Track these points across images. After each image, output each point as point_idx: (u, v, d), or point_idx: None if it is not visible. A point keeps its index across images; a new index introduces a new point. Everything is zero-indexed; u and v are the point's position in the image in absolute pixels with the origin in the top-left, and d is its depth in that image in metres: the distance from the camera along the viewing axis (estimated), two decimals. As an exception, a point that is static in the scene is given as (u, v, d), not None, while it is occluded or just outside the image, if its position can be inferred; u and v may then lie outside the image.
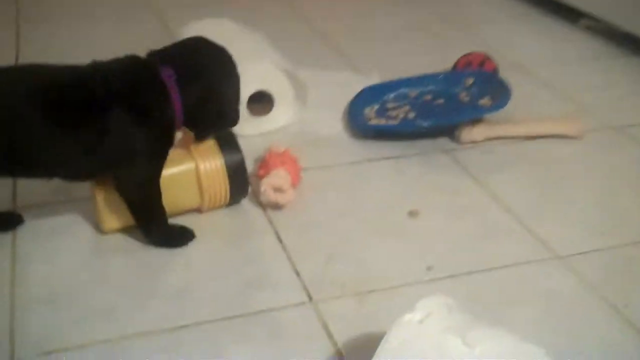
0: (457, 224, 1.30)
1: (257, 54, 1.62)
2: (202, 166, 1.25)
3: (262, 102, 1.58)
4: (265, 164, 1.36)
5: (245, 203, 1.34)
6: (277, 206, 1.31)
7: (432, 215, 1.32)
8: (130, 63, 1.18)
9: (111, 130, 1.12)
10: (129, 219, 1.22)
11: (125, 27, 2.23)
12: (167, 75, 1.15)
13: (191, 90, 1.17)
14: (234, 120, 1.26)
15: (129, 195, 1.18)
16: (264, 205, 1.33)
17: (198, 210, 1.30)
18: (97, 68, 1.16)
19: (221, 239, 1.25)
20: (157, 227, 1.21)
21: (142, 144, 1.15)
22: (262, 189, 1.30)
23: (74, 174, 1.20)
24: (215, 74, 1.21)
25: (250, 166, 1.41)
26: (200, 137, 1.26)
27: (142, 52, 1.21)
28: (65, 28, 2.21)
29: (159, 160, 1.19)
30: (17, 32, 2.17)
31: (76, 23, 2.26)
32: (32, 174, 1.19)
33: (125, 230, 1.24)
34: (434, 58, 1.93)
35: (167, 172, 1.21)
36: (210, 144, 1.27)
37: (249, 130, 1.57)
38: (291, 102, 1.61)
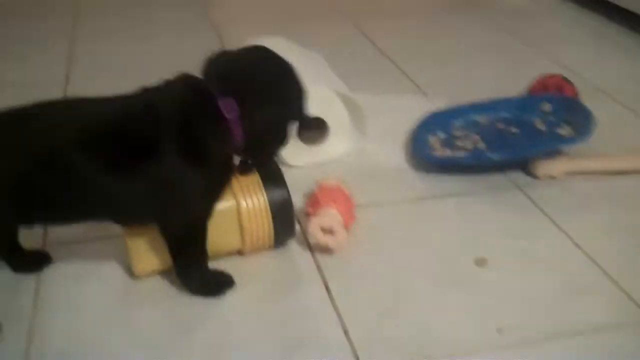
0: (532, 276, 1.13)
1: (312, 76, 1.47)
2: (243, 204, 1.12)
3: (315, 129, 1.45)
4: (314, 200, 1.22)
5: (292, 244, 1.20)
6: (326, 250, 1.17)
7: (503, 265, 1.16)
8: (185, 92, 1.03)
9: (162, 172, 1.00)
10: (163, 262, 1.10)
11: (182, 43, 2.14)
12: (229, 108, 1.01)
13: (255, 122, 1.04)
14: (286, 142, 1.12)
15: (173, 235, 1.06)
16: (312, 248, 1.19)
17: (239, 253, 1.16)
18: (146, 99, 1.04)
19: (263, 287, 1.11)
20: (196, 271, 1.09)
21: (196, 186, 1.03)
22: (310, 229, 1.16)
23: (118, 219, 1.08)
24: (282, 99, 1.07)
25: (299, 202, 1.28)
26: (258, 162, 1.14)
27: (196, 68, 1.08)
28: (120, 44, 2.14)
29: (213, 200, 1.07)
30: (69, 49, 2.10)
31: (132, 39, 2.18)
32: (69, 221, 1.08)
33: (159, 273, 1.12)
34: (506, 81, 1.77)
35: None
36: (252, 178, 1.14)
37: (300, 160, 1.44)
38: (348, 129, 1.47)
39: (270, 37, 1.63)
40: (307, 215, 1.22)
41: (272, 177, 1.15)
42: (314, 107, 1.40)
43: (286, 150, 1.41)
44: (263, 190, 1.13)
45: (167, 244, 1.06)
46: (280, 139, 1.10)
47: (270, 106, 1.05)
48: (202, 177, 1.03)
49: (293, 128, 1.11)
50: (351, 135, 1.48)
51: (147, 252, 1.09)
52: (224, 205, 1.11)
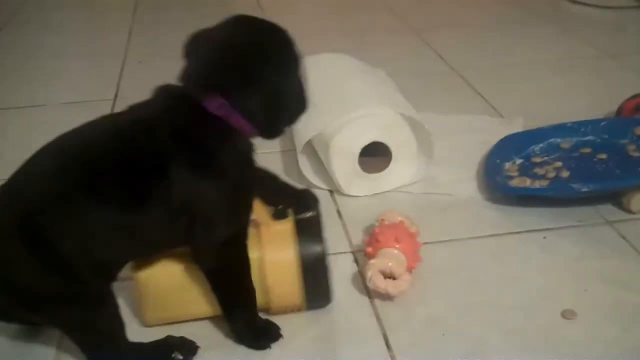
0: (631, 331, 0.96)
1: (375, 97, 1.34)
2: (268, 257, 0.96)
3: (377, 155, 1.30)
4: (374, 239, 1.07)
5: (349, 287, 1.06)
6: (387, 296, 1.02)
7: (595, 318, 0.99)
8: (167, 106, 0.91)
9: (176, 192, 0.87)
10: (176, 312, 0.98)
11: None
12: (216, 105, 0.89)
13: (252, 106, 0.90)
14: (304, 107, 0.98)
15: (211, 263, 0.93)
16: (370, 294, 1.04)
17: (265, 311, 1.00)
18: (135, 119, 0.91)
19: (312, 340, 0.97)
20: (242, 315, 0.96)
21: (218, 195, 0.90)
22: (369, 274, 1.02)
23: (142, 254, 0.96)
24: (275, 69, 0.92)
25: (357, 238, 1.14)
26: (273, 136, 0.96)
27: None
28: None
29: (244, 208, 0.93)
30: (122, 67, 2.02)
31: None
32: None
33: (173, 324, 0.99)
34: (592, 100, 1.60)
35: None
36: (286, 227, 0.98)
37: (360, 190, 1.30)
38: (413, 155, 1.32)
39: (333, 54, 1.51)
40: (366, 255, 1.08)
41: (309, 228, 0.98)
42: (377, 130, 1.27)
43: (344, 181, 1.28)
44: (295, 243, 0.97)
45: (208, 279, 0.94)
46: (293, 108, 0.96)
47: (261, 85, 0.91)
48: (220, 188, 0.90)
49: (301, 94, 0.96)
50: (416, 161, 1.32)
51: (159, 297, 0.97)
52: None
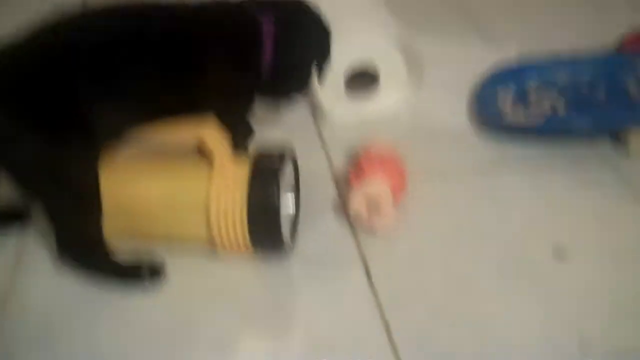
0: (622, 274, 0.92)
1: (362, 16, 1.26)
2: (214, 193, 0.89)
3: (364, 79, 1.23)
4: (359, 169, 1.01)
5: (329, 215, 1.01)
6: (371, 231, 0.97)
7: (587, 258, 0.94)
8: (227, 7, 1.00)
9: (212, 68, 0.95)
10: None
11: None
12: (268, 28, 0.98)
13: (285, 47, 0.99)
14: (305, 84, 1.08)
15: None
16: (353, 225, 0.98)
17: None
18: (193, 10, 0.97)
19: (287, 267, 0.92)
20: None
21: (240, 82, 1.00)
22: (353, 205, 0.96)
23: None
24: (315, 32, 1.05)
25: (340, 164, 1.10)
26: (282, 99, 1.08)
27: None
28: None
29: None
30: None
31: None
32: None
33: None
34: (592, 32, 1.50)
35: (172, 182, 0.92)
36: (239, 168, 0.90)
37: (345, 115, 1.23)
38: (402, 81, 1.24)
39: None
40: (350, 184, 1.01)
41: (266, 168, 0.90)
42: (364, 52, 1.19)
43: (328, 104, 1.21)
44: (246, 183, 0.88)
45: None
46: (305, 75, 1.05)
47: (303, 34, 1.03)
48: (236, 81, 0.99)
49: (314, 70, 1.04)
50: (405, 87, 1.25)
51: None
52: (193, 182, 0.90)
